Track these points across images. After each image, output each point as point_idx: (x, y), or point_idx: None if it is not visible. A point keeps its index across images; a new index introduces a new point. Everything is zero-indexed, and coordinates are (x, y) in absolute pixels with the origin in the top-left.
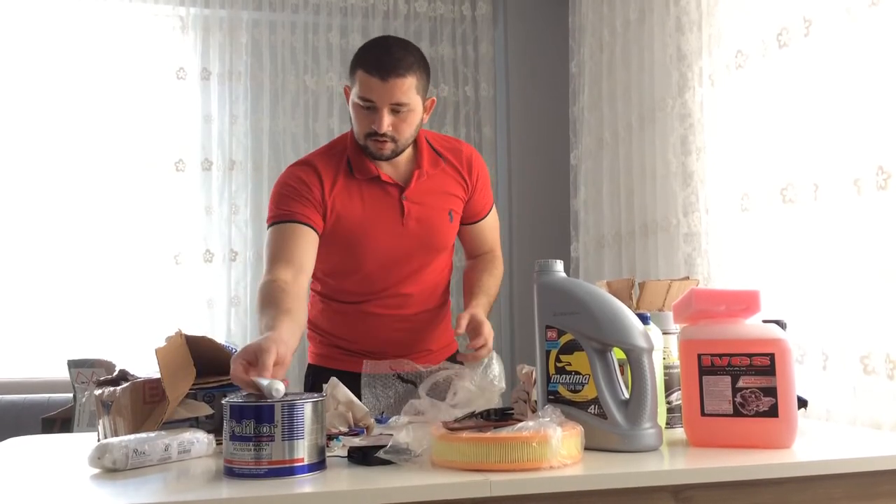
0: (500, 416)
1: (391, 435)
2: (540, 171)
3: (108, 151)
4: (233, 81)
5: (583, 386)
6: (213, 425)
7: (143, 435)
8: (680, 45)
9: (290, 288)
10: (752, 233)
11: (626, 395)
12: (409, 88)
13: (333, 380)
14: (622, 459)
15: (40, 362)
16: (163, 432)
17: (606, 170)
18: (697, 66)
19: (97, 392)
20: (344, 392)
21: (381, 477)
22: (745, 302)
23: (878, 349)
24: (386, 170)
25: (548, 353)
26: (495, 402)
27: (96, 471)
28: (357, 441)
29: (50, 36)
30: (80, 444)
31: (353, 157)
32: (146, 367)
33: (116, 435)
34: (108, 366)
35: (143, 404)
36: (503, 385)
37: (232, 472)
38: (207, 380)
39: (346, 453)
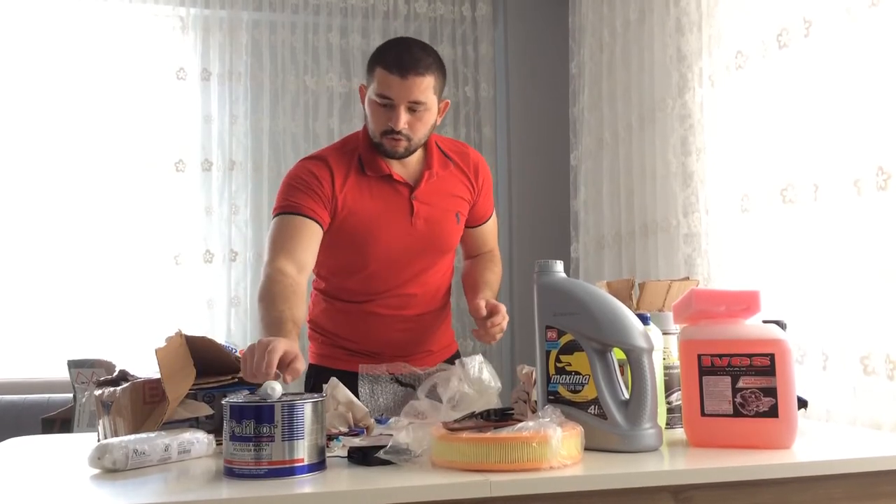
0: (500, 417)
1: (391, 435)
2: (540, 172)
3: (109, 152)
4: (233, 82)
5: (583, 386)
6: (213, 425)
7: (143, 435)
8: (680, 46)
9: (292, 283)
10: (752, 233)
11: (626, 396)
12: (426, 87)
13: (333, 380)
14: (622, 460)
15: (40, 362)
16: (163, 432)
17: (606, 170)
18: (697, 67)
19: (97, 392)
20: (344, 392)
21: (381, 477)
22: (745, 302)
23: (878, 349)
24: (397, 169)
25: (548, 353)
26: (494, 403)
27: (96, 471)
28: (357, 441)
29: (50, 36)
30: (80, 445)
31: (365, 154)
32: (146, 368)
33: (116, 435)
34: (108, 366)
35: (143, 404)
36: (499, 384)
37: (232, 473)
38: (207, 380)
39: (346, 453)
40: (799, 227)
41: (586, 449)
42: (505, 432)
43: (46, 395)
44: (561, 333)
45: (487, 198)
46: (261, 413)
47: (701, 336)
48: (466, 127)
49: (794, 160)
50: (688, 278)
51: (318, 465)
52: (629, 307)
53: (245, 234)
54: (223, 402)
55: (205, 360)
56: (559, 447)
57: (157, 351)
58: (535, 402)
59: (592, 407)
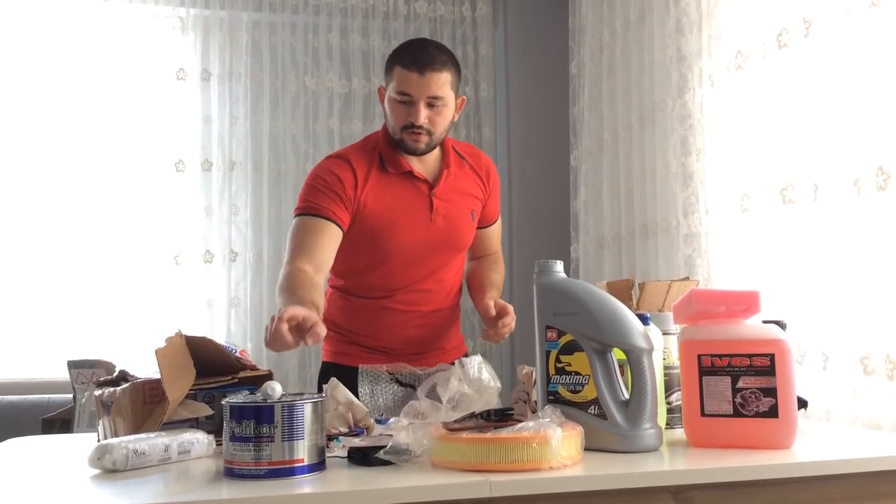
0: (500, 417)
1: (391, 435)
2: (540, 172)
3: (109, 152)
4: (233, 82)
5: (583, 386)
6: (213, 426)
7: (143, 435)
8: (680, 46)
9: (311, 277)
10: (752, 233)
11: (626, 396)
12: (444, 83)
13: (333, 380)
14: (622, 460)
15: (40, 363)
16: (163, 433)
17: (606, 170)
18: (697, 67)
19: (97, 393)
20: (344, 392)
21: (381, 477)
22: (745, 302)
23: (878, 349)
24: (416, 167)
25: (548, 353)
26: (494, 403)
27: (96, 471)
28: (357, 441)
29: (50, 36)
30: (80, 445)
31: (386, 152)
32: (146, 368)
33: (116, 435)
34: (108, 366)
35: (143, 405)
36: (499, 384)
37: (232, 473)
38: (207, 380)
39: (346, 454)
40: (799, 227)
41: (586, 449)
42: (505, 432)
43: (46, 396)
44: (561, 333)
45: (496, 201)
46: (261, 413)
47: (701, 336)
48: (466, 127)
49: (794, 160)
50: (688, 278)
51: (318, 465)
52: (629, 307)
53: (245, 235)
54: (223, 402)
55: (205, 361)
56: (559, 447)
57: (157, 351)
58: (535, 402)
59: (592, 407)
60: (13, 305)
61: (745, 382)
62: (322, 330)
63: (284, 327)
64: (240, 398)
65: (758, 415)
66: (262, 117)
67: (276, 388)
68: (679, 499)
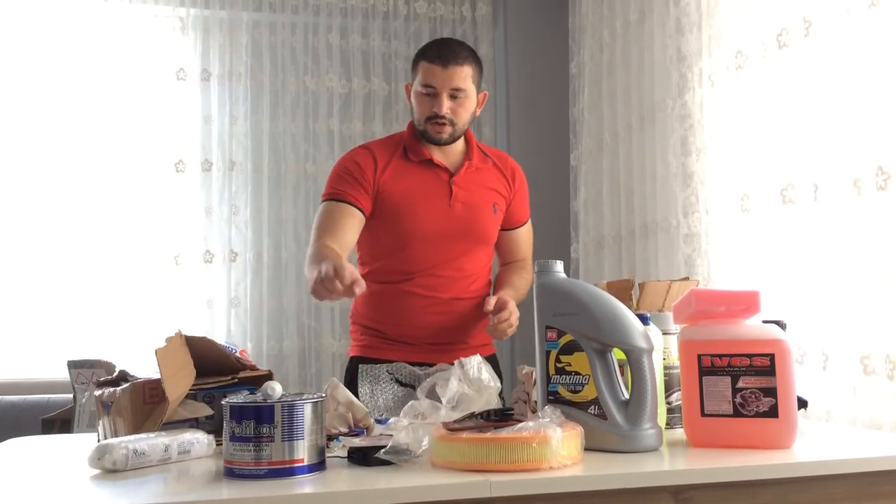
0: (500, 417)
1: (391, 435)
2: (540, 172)
3: (109, 152)
4: (233, 82)
5: (583, 386)
6: (213, 426)
7: (143, 435)
8: (680, 46)
9: (339, 252)
10: (752, 233)
11: (626, 396)
12: (466, 76)
13: (333, 381)
14: (622, 460)
15: (40, 363)
16: (163, 433)
17: (606, 171)
18: (697, 67)
19: (97, 393)
20: (344, 393)
21: (380, 477)
22: (745, 302)
23: (878, 349)
24: (438, 156)
25: (548, 353)
26: (494, 403)
27: (96, 471)
28: (357, 442)
29: (50, 36)
30: (80, 445)
31: (410, 142)
32: (146, 368)
33: (116, 435)
34: (109, 366)
35: (143, 405)
36: (499, 384)
37: (232, 473)
38: (207, 380)
39: (346, 454)
40: (799, 227)
41: (586, 449)
42: (505, 432)
43: (46, 396)
44: (561, 333)
45: (523, 203)
46: (261, 413)
47: (701, 336)
48: None
49: (794, 160)
50: (688, 278)
51: (318, 465)
52: (629, 307)
53: (245, 235)
54: (223, 402)
55: (205, 361)
56: (559, 447)
57: (157, 351)
58: (535, 402)
59: (592, 407)
60: (13, 305)
61: (745, 382)
62: (362, 283)
63: (332, 271)
64: (240, 398)
65: (758, 415)
66: (262, 117)
67: (276, 388)
68: (679, 499)
